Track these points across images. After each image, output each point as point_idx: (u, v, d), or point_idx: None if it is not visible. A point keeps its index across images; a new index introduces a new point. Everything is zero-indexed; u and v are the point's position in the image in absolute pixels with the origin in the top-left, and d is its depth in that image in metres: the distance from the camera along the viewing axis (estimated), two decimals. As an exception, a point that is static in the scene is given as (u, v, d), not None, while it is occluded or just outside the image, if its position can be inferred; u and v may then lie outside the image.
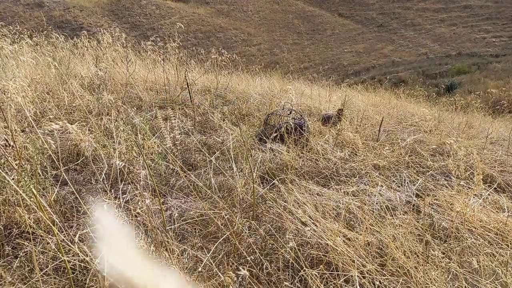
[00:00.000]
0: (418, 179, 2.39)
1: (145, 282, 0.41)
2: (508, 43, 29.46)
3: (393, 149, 2.87)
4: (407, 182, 2.36)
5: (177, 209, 1.98)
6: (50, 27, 5.29)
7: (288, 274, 1.56)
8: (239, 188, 2.11)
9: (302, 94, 4.89)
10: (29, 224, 1.62)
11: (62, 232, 1.63)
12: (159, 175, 2.28)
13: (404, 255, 1.59)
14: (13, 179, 1.77)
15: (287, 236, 1.73)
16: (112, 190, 2.04)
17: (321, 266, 1.54)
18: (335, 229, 1.71)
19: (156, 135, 2.65)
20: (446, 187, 2.30)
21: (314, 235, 1.69)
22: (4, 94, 2.27)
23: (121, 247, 0.42)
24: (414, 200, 2.17)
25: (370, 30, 35.28)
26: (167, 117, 2.90)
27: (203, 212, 1.90)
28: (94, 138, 2.32)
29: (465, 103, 5.78)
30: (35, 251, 1.49)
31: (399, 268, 1.55)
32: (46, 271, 1.46)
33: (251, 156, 2.60)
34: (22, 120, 2.58)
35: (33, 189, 1.22)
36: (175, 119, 2.74)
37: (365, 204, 2.01)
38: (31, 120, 1.72)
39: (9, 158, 1.78)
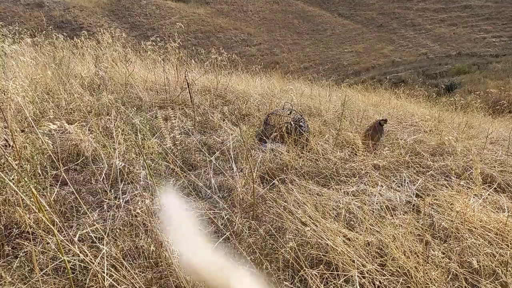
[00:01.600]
0: (418, 179, 2.39)
1: (216, 278, 0.40)
2: (508, 43, 29.45)
3: (393, 149, 2.87)
4: (407, 182, 2.36)
5: (177, 209, 1.97)
6: (50, 27, 5.28)
7: (288, 274, 1.56)
8: (239, 188, 2.11)
9: (302, 94, 4.89)
10: (29, 224, 1.62)
11: (62, 232, 1.63)
12: (159, 175, 2.28)
13: (404, 255, 1.59)
14: (13, 179, 1.77)
15: (287, 236, 1.73)
16: (112, 190, 2.04)
17: (321, 266, 1.54)
18: (335, 229, 1.71)
19: (156, 135, 2.64)
20: (446, 187, 2.29)
21: (314, 235, 1.69)
22: (4, 94, 2.27)
23: (189, 235, 0.41)
24: (414, 200, 2.17)
25: (370, 30, 35.27)
26: (167, 117, 2.90)
27: (203, 212, 1.90)
28: (94, 138, 2.32)
29: (465, 103, 5.78)
30: (35, 251, 1.49)
31: (399, 268, 1.55)
32: (46, 271, 1.46)
33: (251, 156, 2.60)
34: (22, 120, 2.58)
35: (33, 189, 1.22)
36: (175, 119, 2.74)
37: (365, 204, 2.01)
38: (31, 120, 1.72)
39: (9, 158, 1.78)
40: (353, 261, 1.54)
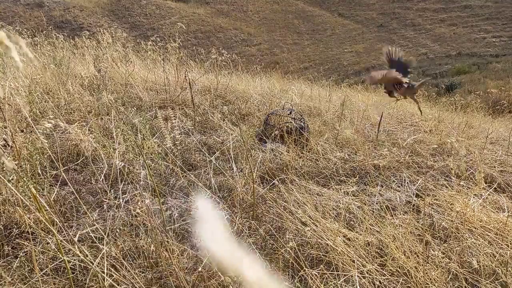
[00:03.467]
0: (418, 179, 2.39)
1: (232, 266, 0.43)
2: (508, 43, 29.45)
3: (393, 149, 2.87)
4: (407, 182, 2.36)
5: (177, 209, 1.98)
6: (50, 27, 5.28)
7: (288, 274, 1.56)
8: (239, 188, 2.11)
9: (302, 94, 4.88)
10: (29, 224, 1.62)
11: (62, 232, 1.63)
12: (159, 175, 2.28)
13: (404, 255, 1.59)
14: (12, 179, 1.77)
15: (287, 236, 1.73)
16: (112, 190, 2.03)
17: (321, 266, 1.54)
18: (335, 229, 1.71)
19: (156, 135, 2.64)
20: (446, 187, 2.29)
21: (314, 235, 1.69)
22: (4, 94, 2.27)
23: (216, 232, 0.44)
24: (414, 200, 2.17)
25: (370, 30, 35.28)
26: (167, 117, 2.90)
27: (203, 212, 1.90)
28: (94, 138, 2.32)
29: (465, 103, 5.77)
30: (35, 251, 1.49)
31: (399, 268, 1.55)
32: (46, 271, 1.46)
33: (251, 156, 2.60)
34: (21, 120, 2.58)
35: (32, 190, 1.22)
36: (175, 119, 2.74)
37: (365, 204, 2.01)
38: (30, 121, 1.72)
39: (9, 158, 1.78)
40: (353, 261, 1.54)
